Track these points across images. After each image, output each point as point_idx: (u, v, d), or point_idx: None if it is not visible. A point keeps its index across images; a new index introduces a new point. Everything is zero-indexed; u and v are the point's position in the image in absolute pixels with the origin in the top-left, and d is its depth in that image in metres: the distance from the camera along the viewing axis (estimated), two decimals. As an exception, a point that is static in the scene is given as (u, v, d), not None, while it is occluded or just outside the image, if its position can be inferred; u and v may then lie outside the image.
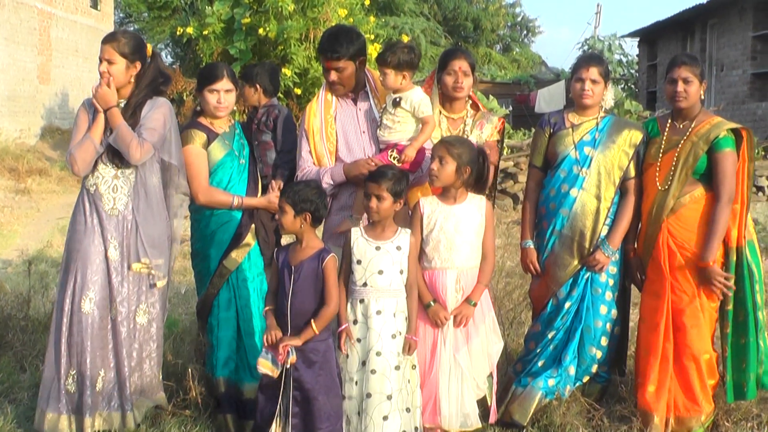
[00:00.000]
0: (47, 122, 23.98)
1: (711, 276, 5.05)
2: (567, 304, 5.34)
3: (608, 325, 5.34)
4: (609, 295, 5.34)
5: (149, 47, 5.03)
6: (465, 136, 5.23)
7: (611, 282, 5.34)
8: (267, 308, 4.50)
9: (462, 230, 4.75)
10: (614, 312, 5.36)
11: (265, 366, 4.38)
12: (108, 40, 4.90)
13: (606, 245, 5.24)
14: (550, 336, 5.37)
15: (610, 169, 5.27)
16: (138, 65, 4.92)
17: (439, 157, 4.69)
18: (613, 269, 5.34)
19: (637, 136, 5.31)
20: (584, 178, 5.27)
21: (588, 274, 5.32)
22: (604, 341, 5.34)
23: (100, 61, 4.88)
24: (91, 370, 4.77)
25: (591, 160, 5.27)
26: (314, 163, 5.18)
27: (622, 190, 5.31)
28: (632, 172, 5.30)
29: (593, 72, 5.26)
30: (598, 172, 5.26)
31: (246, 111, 5.67)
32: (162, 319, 5.13)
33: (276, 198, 5.06)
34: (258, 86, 5.56)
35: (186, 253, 9.47)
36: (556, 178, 5.36)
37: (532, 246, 5.46)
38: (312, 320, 4.37)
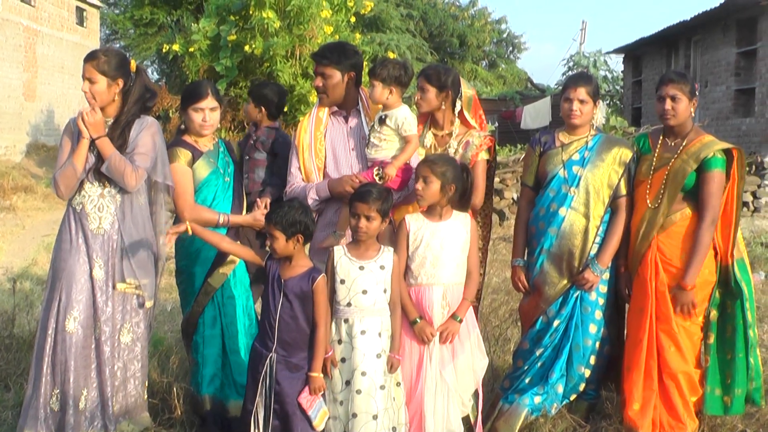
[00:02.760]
0: (33, 139, 23.96)
1: (685, 301, 5.08)
2: (556, 322, 5.34)
3: (597, 344, 5.34)
4: (598, 314, 5.34)
5: (133, 63, 5.02)
6: (451, 153, 5.25)
7: (601, 301, 5.34)
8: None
9: (448, 247, 4.76)
10: (604, 330, 5.35)
11: (323, 416, 4.45)
12: (88, 58, 4.89)
13: (595, 264, 5.25)
14: (538, 353, 5.37)
15: (599, 187, 5.27)
16: (120, 82, 4.91)
17: (423, 177, 4.69)
18: (603, 288, 5.34)
19: (626, 154, 5.31)
20: (573, 197, 5.28)
21: (578, 292, 5.32)
22: (592, 360, 5.34)
23: (83, 81, 4.89)
24: (74, 390, 4.76)
25: (579, 179, 5.28)
26: (303, 179, 5.21)
27: (612, 208, 5.31)
28: (623, 190, 5.29)
29: (581, 92, 5.28)
30: (587, 190, 5.27)
31: (244, 127, 5.83)
32: (147, 338, 5.12)
33: (261, 216, 5.06)
34: (263, 109, 5.64)
35: (172, 271, 9.45)
36: (545, 197, 5.38)
37: (521, 264, 5.48)
38: (314, 348, 4.42)
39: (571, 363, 5.33)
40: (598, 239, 5.28)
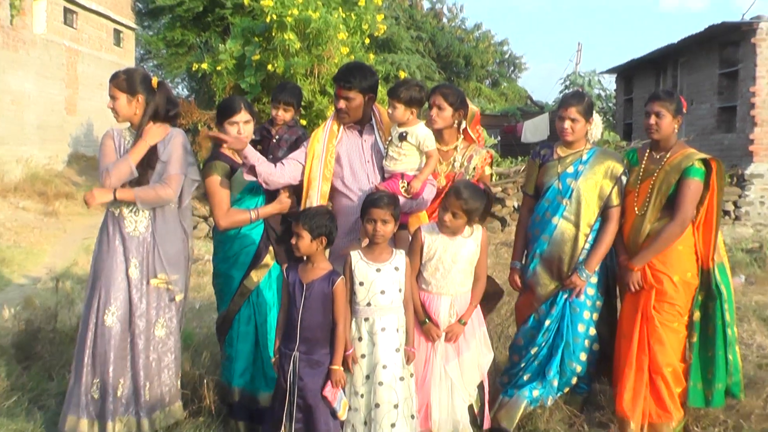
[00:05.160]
0: (74, 150, 24.03)
1: (630, 280, 5.15)
2: (547, 322, 5.36)
3: (587, 342, 5.35)
4: (587, 314, 5.35)
5: (155, 80, 5.07)
6: (453, 168, 5.27)
7: (588, 302, 5.36)
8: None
9: (459, 260, 4.78)
10: (592, 329, 5.36)
11: (345, 406, 4.48)
12: (111, 79, 5.00)
13: (582, 269, 5.25)
14: (533, 352, 5.39)
15: (590, 198, 5.28)
16: (140, 98, 4.97)
17: (453, 213, 4.67)
18: (591, 291, 5.35)
19: (617, 168, 5.31)
20: (565, 207, 5.29)
21: (567, 294, 5.34)
22: (582, 356, 5.35)
23: (109, 98, 4.99)
24: (113, 379, 4.81)
25: (572, 191, 5.29)
26: (306, 183, 5.10)
27: (603, 218, 5.31)
28: (615, 201, 5.29)
29: (572, 111, 5.28)
30: (578, 201, 5.27)
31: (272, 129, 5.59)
32: (179, 331, 5.15)
33: (285, 198, 5.10)
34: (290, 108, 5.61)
35: (200, 271, 9.50)
36: (541, 206, 5.40)
37: (518, 267, 5.52)
38: (334, 344, 4.45)
39: (563, 359, 5.35)
40: (587, 246, 5.29)
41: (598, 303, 5.40)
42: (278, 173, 5.02)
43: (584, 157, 5.36)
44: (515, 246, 5.65)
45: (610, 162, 5.35)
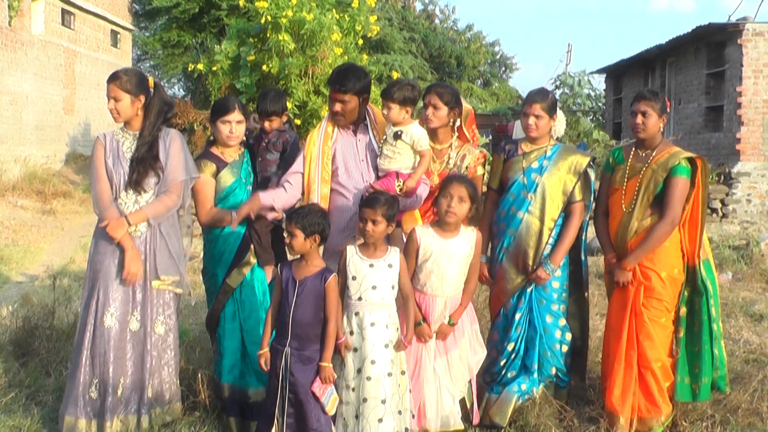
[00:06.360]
0: (71, 149, 23.97)
1: (622, 279, 5.15)
2: (517, 316, 5.36)
3: (557, 332, 5.37)
4: (554, 306, 5.37)
5: (151, 80, 5.04)
6: (447, 166, 5.26)
7: (555, 295, 5.37)
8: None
9: (453, 262, 4.80)
10: (562, 320, 5.39)
11: (334, 401, 4.46)
12: (111, 79, 4.90)
13: (547, 263, 5.26)
14: (510, 348, 5.38)
15: (554, 193, 5.28)
16: (142, 98, 4.93)
17: (460, 197, 4.70)
18: (556, 284, 5.36)
19: (581, 163, 5.32)
20: (530, 202, 5.30)
21: (533, 287, 5.35)
22: (555, 347, 5.37)
23: (108, 99, 4.90)
24: (113, 378, 4.79)
25: (537, 186, 5.29)
26: (306, 186, 5.12)
27: (566, 213, 5.33)
28: (578, 196, 5.31)
29: (535, 108, 5.28)
30: (543, 196, 5.28)
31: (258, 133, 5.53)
32: (177, 329, 5.13)
33: (257, 199, 5.01)
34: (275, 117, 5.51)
35: (196, 269, 9.48)
36: (506, 201, 5.40)
37: (484, 260, 5.46)
38: (325, 340, 4.43)
39: (539, 351, 5.35)
40: (551, 240, 5.30)
41: (564, 295, 5.42)
42: (289, 197, 5.10)
43: (548, 153, 5.36)
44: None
45: (573, 157, 5.35)
